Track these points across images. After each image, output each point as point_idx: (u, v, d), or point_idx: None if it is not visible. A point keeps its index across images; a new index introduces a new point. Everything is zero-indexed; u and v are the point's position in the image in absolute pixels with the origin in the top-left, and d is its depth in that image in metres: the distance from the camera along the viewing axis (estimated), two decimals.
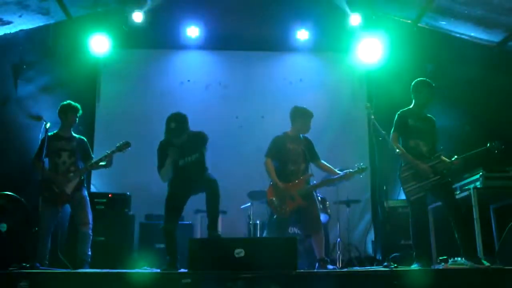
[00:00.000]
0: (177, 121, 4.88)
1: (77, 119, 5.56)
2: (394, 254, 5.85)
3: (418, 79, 5.04)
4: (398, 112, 4.99)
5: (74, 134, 5.58)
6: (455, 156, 4.78)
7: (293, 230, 6.06)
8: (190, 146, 4.98)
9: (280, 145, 5.23)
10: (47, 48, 7.46)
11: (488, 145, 4.73)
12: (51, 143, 5.33)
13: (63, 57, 7.45)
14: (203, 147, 5.05)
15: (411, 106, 5.02)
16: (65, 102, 5.55)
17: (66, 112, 5.48)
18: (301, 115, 5.30)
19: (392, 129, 4.93)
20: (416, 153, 4.79)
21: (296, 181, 5.13)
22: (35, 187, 5.24)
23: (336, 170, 5.35)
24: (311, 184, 5.24)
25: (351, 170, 5.27)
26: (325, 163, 5.39)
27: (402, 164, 4.86)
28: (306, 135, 5.40)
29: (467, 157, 4.79)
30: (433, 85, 4.98)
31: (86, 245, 5.24)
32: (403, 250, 6.15)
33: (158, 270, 4.76)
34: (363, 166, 5.26)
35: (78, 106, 5.56)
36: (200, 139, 5.05)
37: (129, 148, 5.44)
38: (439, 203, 5.37)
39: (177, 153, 4.90)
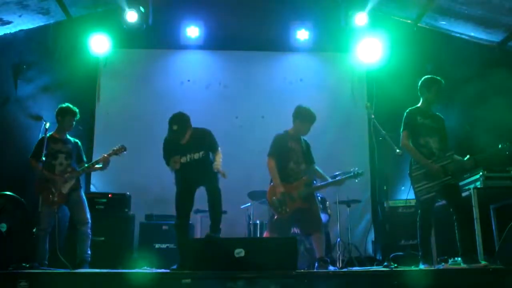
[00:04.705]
0: (179, 123, 4.96)
1: (74, 123, 5.52)
2: (396, 254, 5.82)
3: (427, 76, 4.99)
4: (407, 110, 4.94)
5: (69, 137, 5.57)
6: (468, 156, 4.73)
7: (294, 230, 6.05)
8: (195, 143, 5.07)
9: (282, 144, 5.19)
10: (47, 48, 7.46)
11: (500, 146, 4.70)
12: (48, 144, 5.30)
13: (63, 57, 7.46)
14: (212, 145, 5.14)
15: (419, 104, 4.98)
16: (63, 105, 5.50)
17: (64, 115, 5.45)
18: (301, 117, 5.23)
19: (402, 128, 4.89)
20: (427, 151, 4.76)
21: (297, 182, 5.09)
22: (35, 187, 5.25)
23: (327, 176, 5.32)
24: (313, 185, 5.22)
25: (341, 176, 5.27)
26: (318, 168, 5.35)
27: (413, 162, 4.82)
28: (305, 137, 5.36)
29: (481, 157, 4.75)
30: (442, 82, 4.95)
31: (86, 244, 5.24)
32: (403, 250, 6.15)
33: (162, 270, 4.76)
34: (359, 171, 5.19)
35: (77, 110, 5.52)
36: (206, 138, 5.15)
37: (125, 152, 5.48)
38: (439, 203, 5.37)
39: (178, 164, 4.99)
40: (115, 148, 5.46)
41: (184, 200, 5.11)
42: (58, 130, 5.50)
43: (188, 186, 5.11)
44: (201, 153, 5.07)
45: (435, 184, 4.67)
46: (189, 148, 5.04)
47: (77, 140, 5.64)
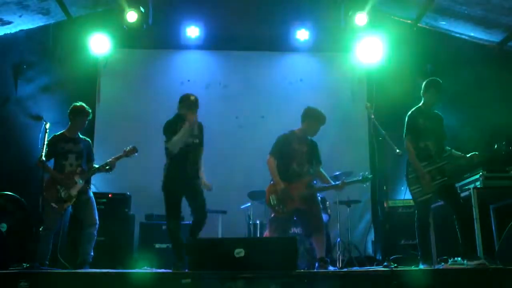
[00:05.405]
0: (195, 96, 5.08)
1: (86, 122, 5.42)
2: (396, 256, 5.82)
3: (429, 78, 5.04)
4: (409, 113, 4.96)
5: (81, 136, 5.47)
6: (476, 152, 4.78)
7: (294, 230, 6.04)
8: (198, 130, 5.12)
9: (285, 144, 5.16)
10: (47, 48, 7.47)
11: (496, 146, 4.72)
12: (58, 144, 5.25)
13: (63, 57, 7.46)
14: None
15: (420, 105, 5.01)
16: (77, 104, 5.38)
17: (77, 115, 5.33)
18: (311, 118, 5.20)
19: (405, 132, 4.92)
20: (426, 154, 4.81)
21: (298, 182, 5.07)
22: (35, 187, 5.23)
23: (331, 181, 5.30)
24: (314, 186, 5.20)
25: (344, 180, 5.25)
26: (323, 171, 5.32)
27: (409, 165, 4.86)
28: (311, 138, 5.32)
29: (478, 160, 4.79)
30: (441, 82, 4.97)
31: (91, 246, 5.19)
32: (403, 250, 6.15)
33: (162, 270, 4.76)
34: (368, 176, 5.17)
35: (90, 110, 5.42)
36: (203, 132, 5.20)
37: (136, 154, 5.41)
38: (439, 203, 5.37)
39: (190, 131, 4.99)
40: (126, 150, 5.38)
41: (173, 199, 5.00)
42: (69, 129, 5.37)
43: (177, 185, 5.00)
44: (199, 140, 5.10)
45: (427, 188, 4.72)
46: (193, 131, 5.05)
47: (88, 139, 5.55)
